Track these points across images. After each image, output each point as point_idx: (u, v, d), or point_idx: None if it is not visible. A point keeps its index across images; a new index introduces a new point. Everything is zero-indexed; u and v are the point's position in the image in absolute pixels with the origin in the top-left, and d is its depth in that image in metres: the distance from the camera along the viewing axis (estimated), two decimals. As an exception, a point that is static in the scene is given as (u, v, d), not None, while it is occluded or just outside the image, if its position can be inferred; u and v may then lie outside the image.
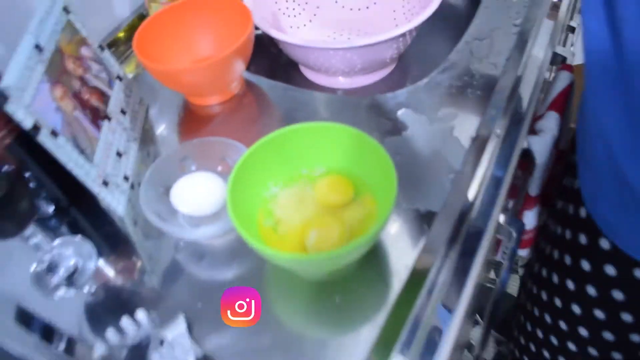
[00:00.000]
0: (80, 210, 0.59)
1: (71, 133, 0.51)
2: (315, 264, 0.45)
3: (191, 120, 0.68)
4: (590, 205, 0.59)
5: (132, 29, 0.78)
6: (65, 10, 0.55)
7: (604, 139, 0.53)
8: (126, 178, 0.59)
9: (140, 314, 0.49)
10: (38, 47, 0.50)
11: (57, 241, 0.54)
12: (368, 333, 0.45)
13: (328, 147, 0.52)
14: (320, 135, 0.52)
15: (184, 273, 0.53)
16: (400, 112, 0.63)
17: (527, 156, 0.67)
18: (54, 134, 0.49)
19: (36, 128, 0.47)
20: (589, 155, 0.58)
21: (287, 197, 0.52)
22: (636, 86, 0.46)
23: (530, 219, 0.75)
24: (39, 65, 0.49)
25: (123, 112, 0.62)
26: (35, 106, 0.47)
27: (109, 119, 0.58)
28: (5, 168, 0.47)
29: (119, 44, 0.79)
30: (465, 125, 0.60)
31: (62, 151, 0.49)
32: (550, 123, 0.66)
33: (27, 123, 0.46)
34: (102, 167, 0.55)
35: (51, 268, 0.53)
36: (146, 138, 0.66)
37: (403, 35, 0.65)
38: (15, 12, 0.63)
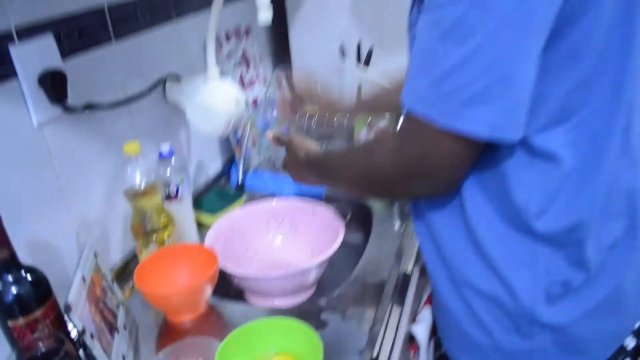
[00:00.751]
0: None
1: (99, 337, 0.74)
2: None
3: (170, 333, 0.92)
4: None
5: (121, 268, 1.06)
6: (95, 255, 0.83)
7: (451, 314, 0.81)
8: (127, 374, 0.80)
9: None
10: (84, 279, 0.76)
11: None
12: None
13: (276, 335, 0.78)
14: (270, 327, 0.79)
15: None
16: (322, 315, 0.91)
17: (413, 339, 0.95)
18: (92, 336, 0.72)
19: (84, 331, 0.70)
20: (445, 325, 0.85)
21: (251, 373, 0.77)
22: (456, 276, 0.77)
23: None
24: (84, 290, 0.75)
25: (125, 327, 0.86)
26: (82, 317, 0.72)
27: (118, 331, 0.82)
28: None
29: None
30: (366, 318, 0.89)
31: (96, 350, 0.72)
32: (426, 315, 0.95)
33: (79, 327, 0.70)
34: (115, 363, 0.77)
35: None
36: (137, 346, 0.88)
37: (318, 264, 0.97)
38: (52, 255, 0.89)
